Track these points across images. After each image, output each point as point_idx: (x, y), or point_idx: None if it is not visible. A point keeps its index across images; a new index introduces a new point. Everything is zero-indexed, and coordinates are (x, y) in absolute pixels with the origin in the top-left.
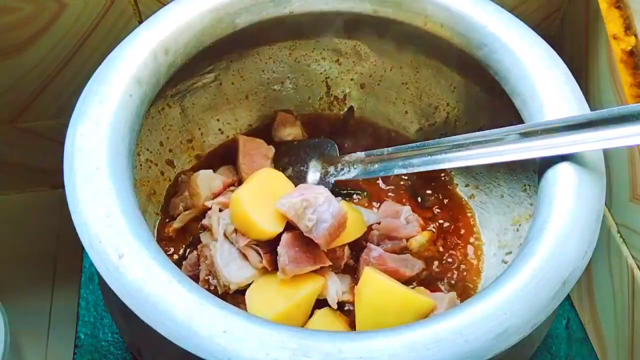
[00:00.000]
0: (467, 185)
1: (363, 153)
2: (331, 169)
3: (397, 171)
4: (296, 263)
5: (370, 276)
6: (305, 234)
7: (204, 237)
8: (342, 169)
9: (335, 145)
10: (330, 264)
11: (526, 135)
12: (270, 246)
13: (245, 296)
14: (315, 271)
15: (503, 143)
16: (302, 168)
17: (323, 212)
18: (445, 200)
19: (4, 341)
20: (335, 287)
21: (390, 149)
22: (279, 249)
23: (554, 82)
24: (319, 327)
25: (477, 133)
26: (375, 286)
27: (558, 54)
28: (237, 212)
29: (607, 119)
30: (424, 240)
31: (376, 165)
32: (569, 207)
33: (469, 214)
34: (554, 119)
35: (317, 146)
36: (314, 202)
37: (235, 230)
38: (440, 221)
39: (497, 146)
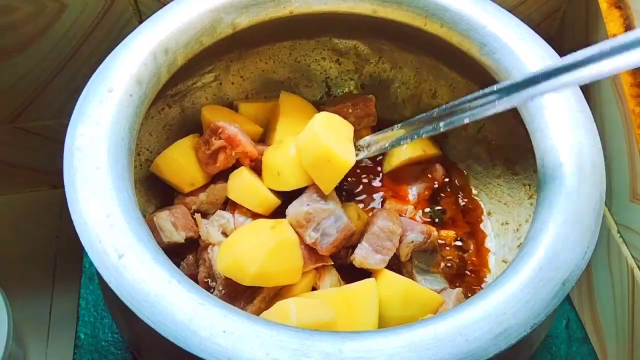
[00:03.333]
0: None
1: (375, 136)
2: None
3: (403, 142)
4: None
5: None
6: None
7: (202, 240)
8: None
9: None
10: (332, 263)
11: (509, 91)
12: None
13: None
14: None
15: (491, 101)
16: None
17: (328, 226)
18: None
19: (7, 333)
20: (330, 281)
21: (397, 125)
22: None
23: None
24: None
25: (464, 98)
26: (382, 278)
27: (558, 54)
28: (240, 182)
29: (583, 60)
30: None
31: (387, 144)
32: (569, 207)
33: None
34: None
35: None
36: (317, 216)
37: (234, 214)
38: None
39: (487, 105)
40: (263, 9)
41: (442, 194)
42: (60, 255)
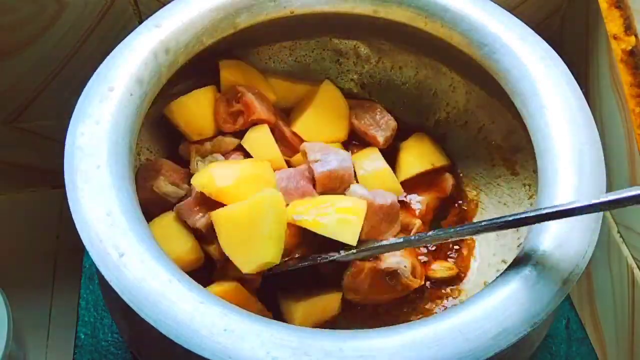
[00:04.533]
0: (466, 186)
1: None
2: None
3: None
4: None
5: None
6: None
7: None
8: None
9: None
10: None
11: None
12: None
13: None
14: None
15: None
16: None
17: (333, 159)
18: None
19: (7, 333)
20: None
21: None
22: None
23: (554, 82)
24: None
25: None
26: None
27: (558, 54)
28: (259, 135)
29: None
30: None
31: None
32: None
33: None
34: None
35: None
36: (329, 152)
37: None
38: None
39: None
40: (263, 8)
41: (450, 202)
42: (60, 255)
